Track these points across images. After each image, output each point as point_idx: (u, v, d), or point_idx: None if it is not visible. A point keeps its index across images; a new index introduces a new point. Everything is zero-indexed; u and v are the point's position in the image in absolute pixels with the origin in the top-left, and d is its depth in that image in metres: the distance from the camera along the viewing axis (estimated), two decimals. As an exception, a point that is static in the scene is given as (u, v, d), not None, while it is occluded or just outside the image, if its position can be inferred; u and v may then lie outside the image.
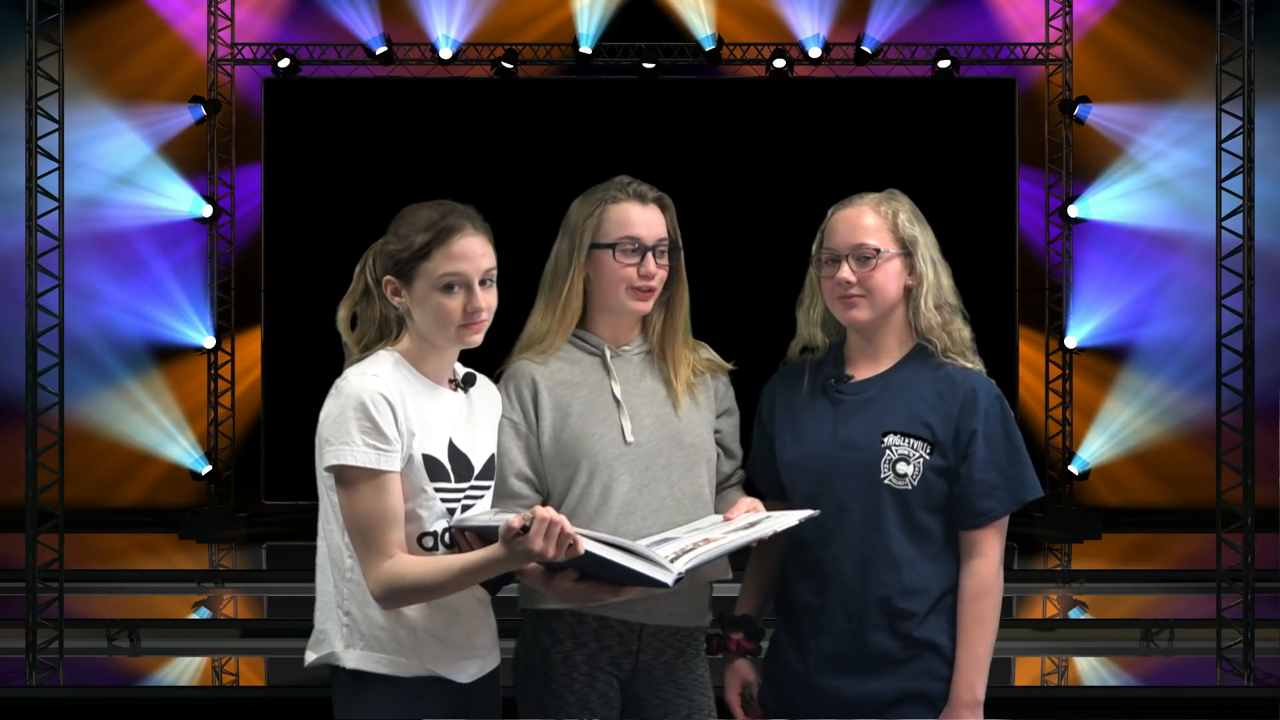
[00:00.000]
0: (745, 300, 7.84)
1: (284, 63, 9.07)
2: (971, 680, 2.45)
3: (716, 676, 2.65)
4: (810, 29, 9.31)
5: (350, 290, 2.40)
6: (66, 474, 5.39)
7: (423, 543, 2.31)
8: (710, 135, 9.29)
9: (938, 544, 2.49)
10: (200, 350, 9.47)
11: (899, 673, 2.46)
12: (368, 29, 9.26)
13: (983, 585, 2.47)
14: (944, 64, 9.13)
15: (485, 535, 2.25)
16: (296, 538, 7.67)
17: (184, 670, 5.44)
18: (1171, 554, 8.20)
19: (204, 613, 6.53)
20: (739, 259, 8.73)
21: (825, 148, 9.06)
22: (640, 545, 2.17)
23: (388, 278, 2.34)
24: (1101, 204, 9.47)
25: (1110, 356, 9.52)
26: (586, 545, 2.11)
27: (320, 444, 2.29)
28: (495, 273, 2.36)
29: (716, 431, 2.64)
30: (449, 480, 2.34)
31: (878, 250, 2.50)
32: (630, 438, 2.52)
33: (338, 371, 2.35)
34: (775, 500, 2.62)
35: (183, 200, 9.44)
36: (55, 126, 5.39)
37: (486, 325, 2.36)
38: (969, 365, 2.53)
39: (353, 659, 2.32)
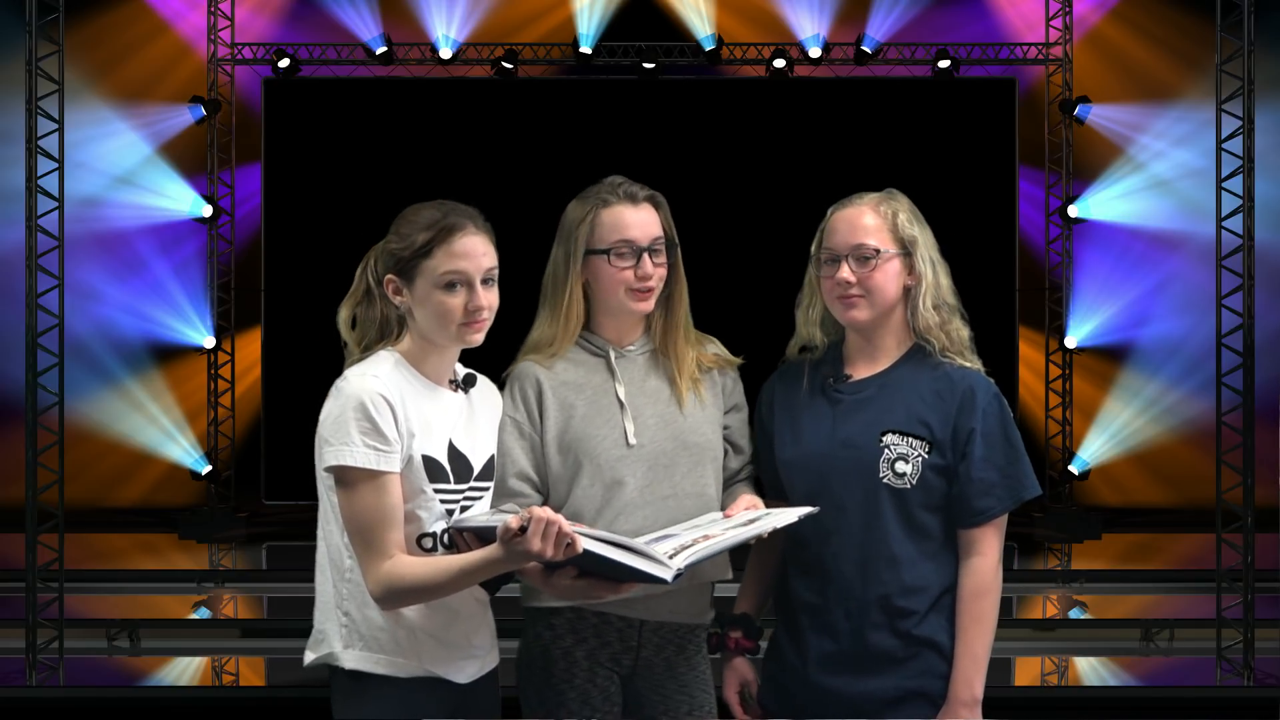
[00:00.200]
0: (745, 300, 7.84)
1: (284, 63, 9.07)
2: (970, 678, 2.46)
3: (716, 675, 2.66)
4: (810, 29, 9.31)
5: (352, 290, 2.40)
6: (66, 474, 5.40)
7: (422, 543, 2.31)
8: (710, 135, 9.29)
9: (937, 543, 2.49)
10: (200, 350, 9.47)
11: (899, 671, 2.47)
12: (368, 29, 9.26)
13: (981, 584, 2.47)
14: (944, 64, 9.13)
15: (483, 536, 2.25)
16: (296, 538, 7.67)
17: (184, 670, 5.44)
18: (1171, 554, 8.20)
19: (204, 613, 6.53)
20: (739, 259, 8.73)
21: (825, 148, 9.06)
22: (638, 542, 2.17)
23: (389, 276, 2.34)
24: (1101, 204, 9.48)
25: (1110, 356, 9.52)
26: (584, 544, 2.11)
27: (320, 444, 2.29)
28: (496, 272, 2.36)
29: (725, 428, 2.64)
30: (448, 481, 2.34)
31: (877, 250, 2.50)
32: (633, 440, 2.52)
33: (338, 371, 2.35)
34: (775, 498, 2.62)
35: (183, 200, 9.45)
36: (55, 126, 5.39)
37: (488, 325, 2.36)
38: (967, 364, 2.53)
39: (351, 659, 2.32)
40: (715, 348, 2.68)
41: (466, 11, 9.34)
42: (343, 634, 2.32)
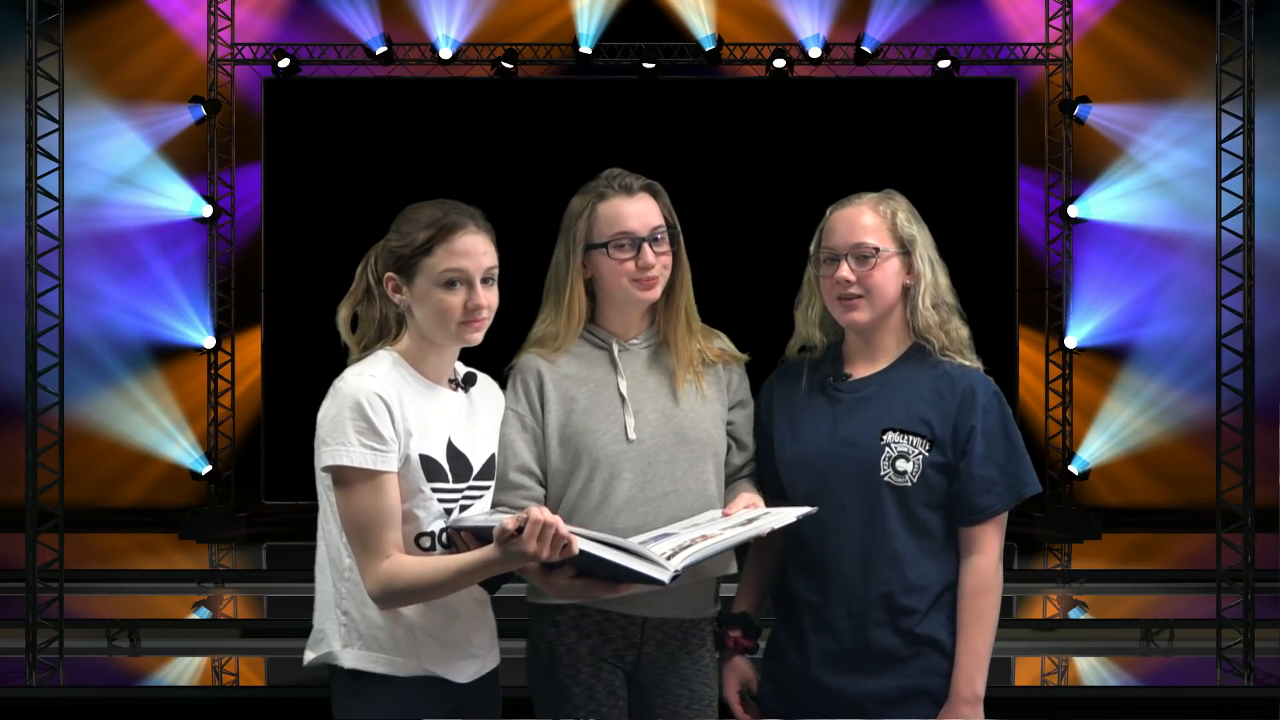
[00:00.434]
0: (744, 300, 7.83)
1: (284, 63, 9.07)
2: (971, 676, 2.46)
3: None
4: (810, 29, 9.32)
5: (351, 290, 2.41)
6: (66, 474, 5.40)
7: (420, 543, 2.31)
8: (710, 135, 9.29)
9: (938, 541, 2.49)
10: (200, 350, 9.47)
11: (901, 670, 2.47)
12: (368, 29, 9.26)
13: (982, 581, 2.47)
14: (944, 64, 9.13)
15: (481, 535, 2.25)
16: (296, 538, 7.68)
17: (184, 670, 5.44)
18: (1171, 554, 8.20)
19: (204, 613, 6.53)
20: (738, 259, 8.72)
21: (825, 148, 9.06)
22: (635, 543, 2.17)
23: (389, 274, 2.34)
24: (1101, 204, 9.48)
25: (1110, 356, 9.52)
26: (581, 545, 2.11)
27: (318, 444, 2.29)
28: (496, 272, 2.36)
29: (730, 423, 2.63)
30: (446, 480, 2.34)
31: (877, 249, 2.50)
32: (633, 435, 2.52)
33: (337, 371, 2.35)
34: (775, 498, 2.62)
35: (183, 200, 9.45)
36: (55, 126, 5.40)
37: (487, 324, 2.36)
38: (967, 363, 2.54)
39: (350, 658, 2.32)
40: (722, 342, 2.67)
41: (466, 11, 9.35)
42: (342, 633, 2.32)
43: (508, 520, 2.11)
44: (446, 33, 9.30)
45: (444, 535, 2.33)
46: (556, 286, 2.58)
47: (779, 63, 9.16)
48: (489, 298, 2.34)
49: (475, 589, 2.36)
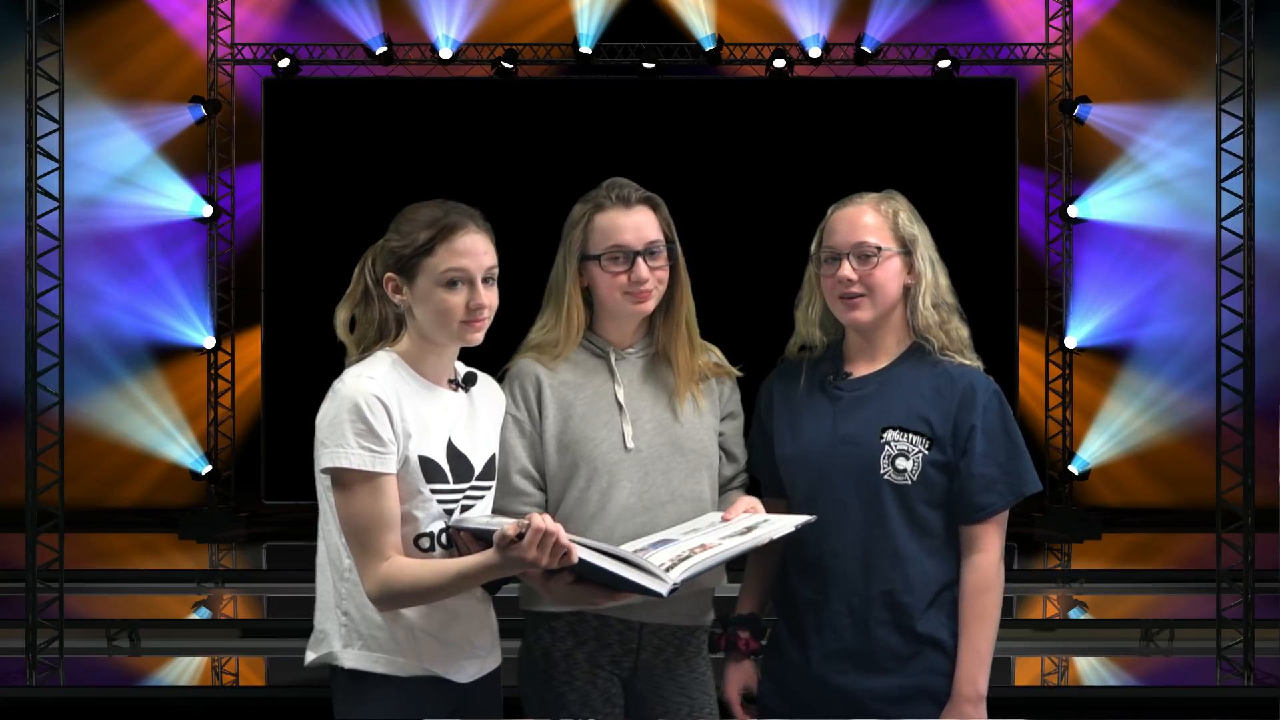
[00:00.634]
0: (745, 300, 7.84)
1: (284, 63, 9.07)
2: (974, 675, 2.46)
3: (717, 676, 2.65)
4: (810, 29, 9.31)
5: (350, 291, 2.40)
6: (66, 474, 5.40)
7: (419, 544, 2.31)
8: (710, 135, 9.29)
9: (939, 539, 2.50)
10: (200, 350, 9.47)
11: (903, 669, 2.47)
12: (368, 29, 9.26)
13: (984, 580, 2.48)
14: (944, 64, 9.13)
15: (481, 537, 2.26)
16: (296, 538, 7.68)
17: (184, 670, 5.44)
18: (1171, 554, 8.20)
19: (204, 613, 6.53)
20: (738, 259, 8.73)
21: (825, 148, 9.06)
22: (630, 552, 2.17)
23: (389, 274, 2.34)
24: (1101, 204, 9.48)
25: (1110, 356, 9.52)
26: (581, 554, 2.11)
27: (317, 446, 2.29)
28: (497, 272, 2.36)
29: (720, 435, 2.64)
30: (446, 482, 2.33)
31: (879, 248, 2.51)
32: (631, 443, 2.52)
33: (337, 371, 2.35)
34: (773, 497, 2.63)
35: (183, 200, 9.45)
36: (55, 126, 5.39)
37: (488, 323, 2.36)
38: (967, 363, 2.54)
39: (351, 659, 2.32)
40: (715, 356, 2.67)
41: (466, 11, 9.35)
42: (343, 633, 2.32)
43: (509, 526, 2.12)
44: (446, 33, 9.30)
45: (444, 536, 2.33)
46: (555, 294, 2.58)
47: (779, 63, 9.16)
48: (490, 297, 2.34)
49: (476, 589, 2.36)
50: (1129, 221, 9.45)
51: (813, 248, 2.60)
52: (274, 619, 6.64)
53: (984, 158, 9.41)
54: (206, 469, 9.34)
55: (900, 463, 2.47)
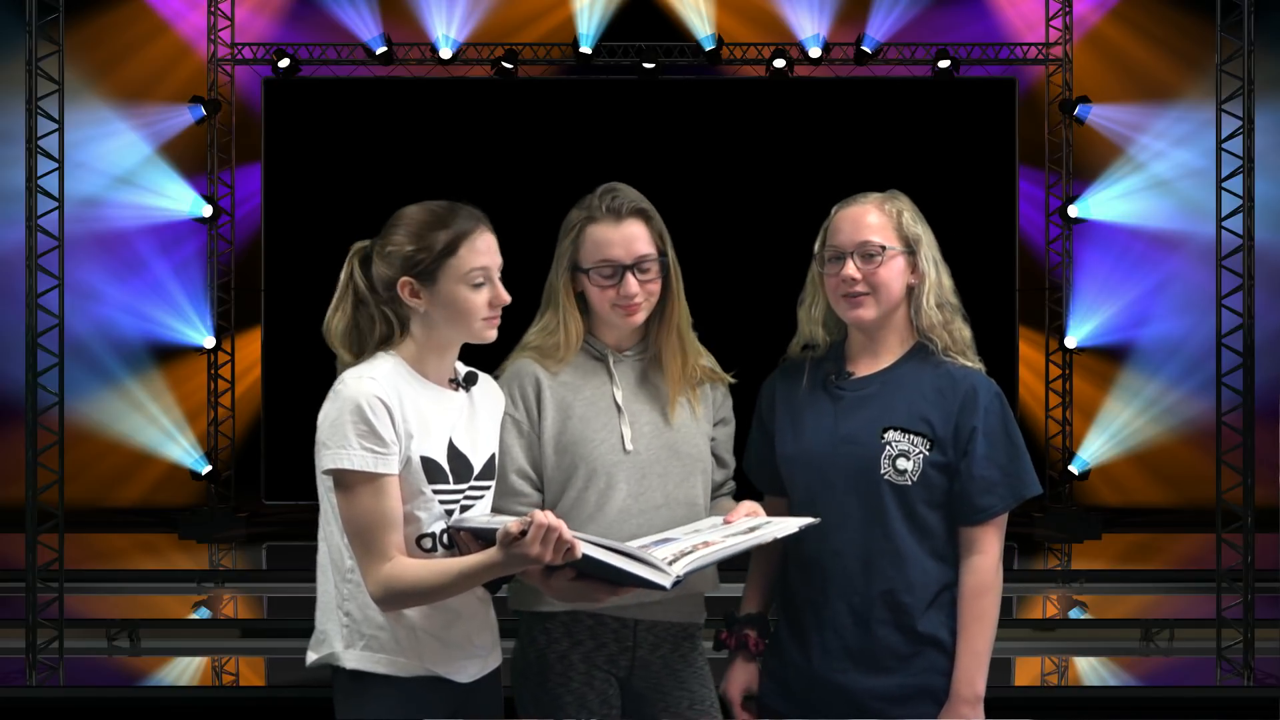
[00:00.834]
0: (744, 300, 7.84)
1: (284, 63, 9.07)
2: (972, 676, 2.46)
3: (717, 676, 2.65)
4: (810, 29, 9.31)
5: (338, 302, 2.36)
6: (66, 474, 5.39)
7: (421, 544, 2.31)
8: (710, 135, 9.29)
9: (939, 539, 2.50)
10: (200, 350, 9.47)
11: (904, 668, 2.47)
12: (368, 29, 9.26)
13: (982, 582, 2.48)
14: (944, 64, 9.13)
15: (482, 536, 2.26)
16: (296, 538, 7.68)
17: (184, 670, 5.44)
18: (1171, 554, 8.20)
19: (204, 613, 6.53)
20: (738, 259, 8.74)
21: (825, 148, 9.06)
22: (636, 547, 2.17)
23: (405, 279, 2.32)
24: (1101, 204, 9.48)
25: (1110, 356, 9.52)
26: (584, 549, 2.11)
27: (318, 447, 2.29)
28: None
29: (711, 439, 2.64)
30: (447, 482, 2.34)
31: (883, 248, 2.51)
32: (630, 445, 2.52)
33: (337, 372, 2.35)
34: (772, 496, 2.63)
35: (183, 200, 9.45)
36: (55, 126, 5.39)
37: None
38: (969, 364, 2.54)
39: (353, 659, 2.32)
40: (708, 361, 2.67)
41: (466, 11, 9.34)
42: (344, 634, 2.33)
43: (511, 524, 2.12)
44: (446, 33, 9.30)
45: (445, 536, 2.33)
46: (552, 300, 2.58)
47: (779, 63, 9.16)
48: (506, 294, 2.36)
49: (477, 588, 2.36)
50: (1129, 221, 9.45)
51: (816, 247, 2.60)
52: (274, 619, 6.63)
53: (984, 158, 9.41)
54: (206, 469, 9.34)
55: (901, 463, 2.47)
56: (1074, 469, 9.35)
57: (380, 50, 9.14)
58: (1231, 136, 5.50)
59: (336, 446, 2.24)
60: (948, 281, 2.58)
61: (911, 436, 2.47)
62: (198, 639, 5.91)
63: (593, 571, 2.18)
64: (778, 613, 2.63)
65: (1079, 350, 9.49)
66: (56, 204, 5.38)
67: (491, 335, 2.37)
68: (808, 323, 2.64)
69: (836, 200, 2.61)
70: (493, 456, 2.46)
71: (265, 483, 9.38)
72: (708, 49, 9.23)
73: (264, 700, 4.87)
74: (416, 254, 2.31)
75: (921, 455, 2.47)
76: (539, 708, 2.53)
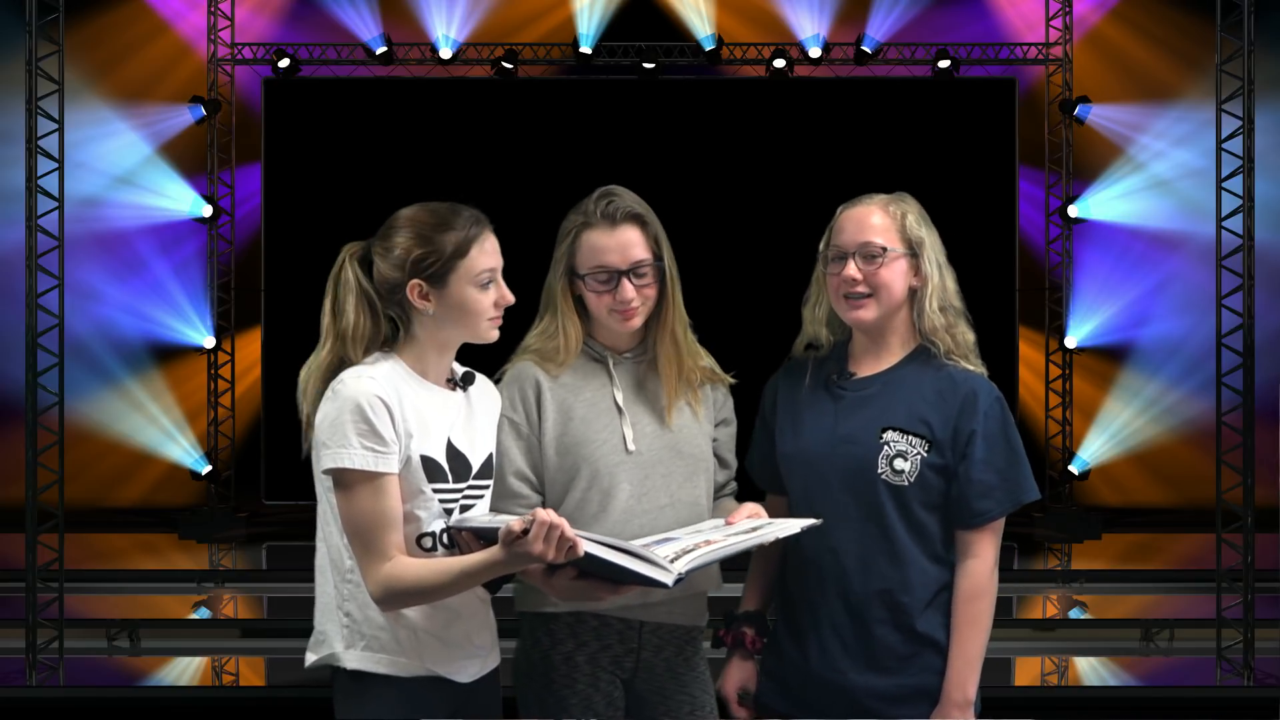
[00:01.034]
0: (745, 300, 7.85)
1: (284, 63, 9.07)
2: (963, 680, 2.46)
3: (715, 675, 2.66)
4: (810, 29, 9.31)
5: (356, 302, 2.33)
6: (66, 474, 5.40)
7: (421, 543, 2.31)
8: (710, 135, 9.29)
9: (935, 541, 2.50)
10: (200, 350, 9.47)
11: (903, 668, 2.48)
12: (368, 29, 9.26)
13: (977, 586, 2.48)
14: (944, 64, 9.13)
15: (483, 535, 2.26)
16: (296, 538, 7.67)
17: (184, 670, 5.44)
18: (1171, 554, 8.20)
19: (204, 613, 6.53)
20: (738, 259, 8.74)
21: (825, 148, 9.06)
22: (639, 545, 2.17)
23: (414, 281, 2.32)
24: (1101, 204, 9.48)
25: (1110, 356, 9.52)
26: (586, 547, 2.11)
27: (318, 447, 2.29)
28: None
29: (713, 441, 2.64)
30: (447, 481, 2.34)
31: (884, 249, 2.51)
32: (632, 446, 2.52)
33: (318, 371, 2.36)
34: (774, 495, 2.64)
35: (183, 200, 9.45)
36: (55, 126, 5.40)
37: None
38: (971, 368, 2.54)
39: (353, 659, 2.32)
40: (707, 362, 2.67)
41: (466, 11, 9.34)
42: (344, 634, 2.32)
43: (514, 522, 2.12)
44: (446, 33, 9.30)
45: (445, 535, 2.33)
46: (551, 304, 2.58)
47: (779, 63, 9.15)
48: (510, 295, 2.38)
49: (477, 588, 2.36)
50: (1129, 221, 9.45)
51: (821, 246, 2.61)
52: (274, 619, 6.64)
53: (984, 158, 9.41)
54: (206, 469, 9.34)
55: (898, 463, 2.47)
56: (1074, 469, 9.35)
57: (380, 50, 9.14)
58: (1231, 136, 5.50)
59: (336, 446, 2.24)
60: (952, 285, 2.57)
61: (910, 437, 2.47)
62: (198, 639, 5.92)
63: (594, 570, 2.18)
64: (776, 612, 2.64)
65: (1079, 350, 9.49)
66: (56, 204, 5.38)
67: (495, 335, 2.38)
68: (812, 322, 2.64)
69: (836, 201, 2.61)
70: (490, 456, 2.46)
71: (265, 483, 9.38)
72: (708, 49, 9.23)
73: (264, 700, 4.88)
74: (426, 256, 2.31)
75: (919, 456, 2.47)
76: (543, 709, 2.53)
